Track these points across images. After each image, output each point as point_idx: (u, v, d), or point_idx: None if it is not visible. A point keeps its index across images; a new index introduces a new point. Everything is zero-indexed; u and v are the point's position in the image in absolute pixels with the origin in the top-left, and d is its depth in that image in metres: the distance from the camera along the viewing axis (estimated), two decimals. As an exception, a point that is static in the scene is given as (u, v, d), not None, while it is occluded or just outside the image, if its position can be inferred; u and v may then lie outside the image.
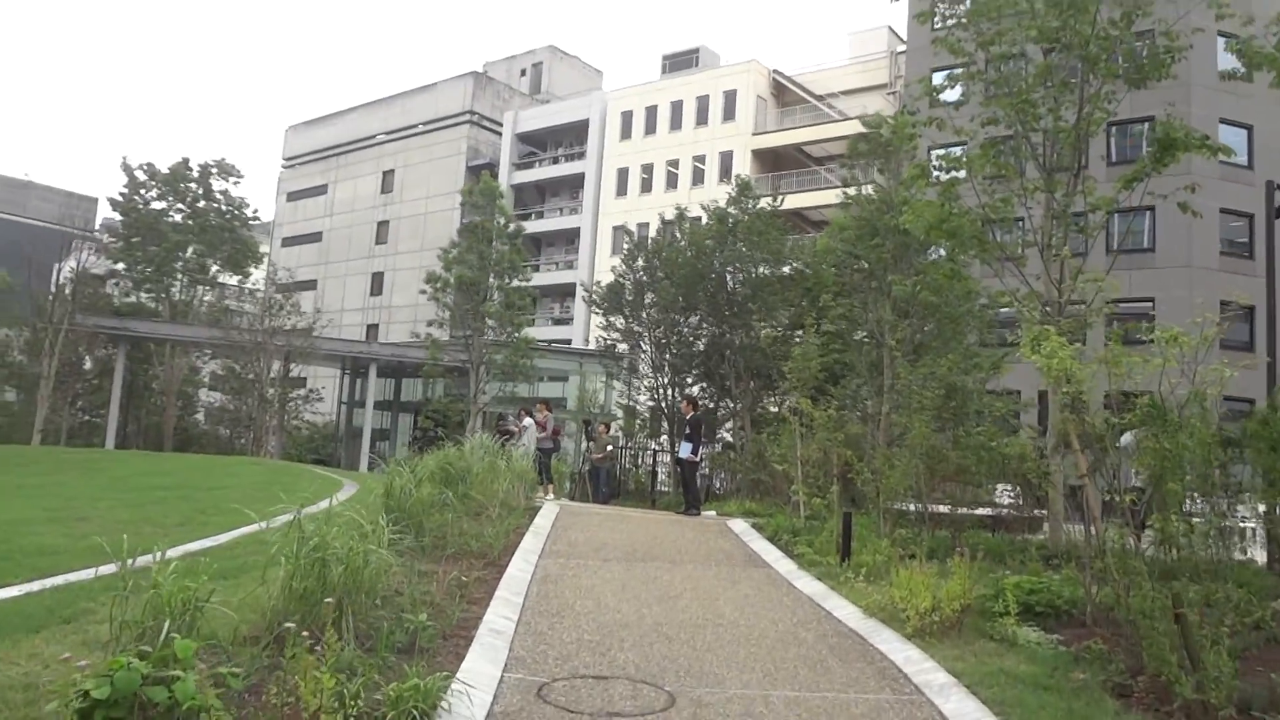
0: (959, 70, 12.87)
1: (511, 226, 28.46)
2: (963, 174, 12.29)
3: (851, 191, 20.67)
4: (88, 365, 40.95)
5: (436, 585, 8.24)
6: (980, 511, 13.92)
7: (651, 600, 8.66)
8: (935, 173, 12.60)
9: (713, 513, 17.17)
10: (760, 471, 18.67)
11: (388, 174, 66.57)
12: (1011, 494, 15.15)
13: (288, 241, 71.58)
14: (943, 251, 19.72)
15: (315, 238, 70.10)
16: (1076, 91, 11.68)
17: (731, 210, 25.47)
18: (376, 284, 64.98)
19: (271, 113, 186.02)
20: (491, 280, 27.22)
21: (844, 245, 19.89)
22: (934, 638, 7.32)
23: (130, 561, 5.32)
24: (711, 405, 27.06)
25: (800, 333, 21.11)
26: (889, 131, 19.04)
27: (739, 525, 13.99)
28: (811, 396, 15.51)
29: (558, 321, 57.41)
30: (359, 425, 40.75)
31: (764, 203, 26.67)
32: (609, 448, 22.11)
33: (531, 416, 18.42)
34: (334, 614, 5.50)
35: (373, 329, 63.17)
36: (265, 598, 6.37)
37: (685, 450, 17.12)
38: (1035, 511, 14.77)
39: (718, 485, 24.35)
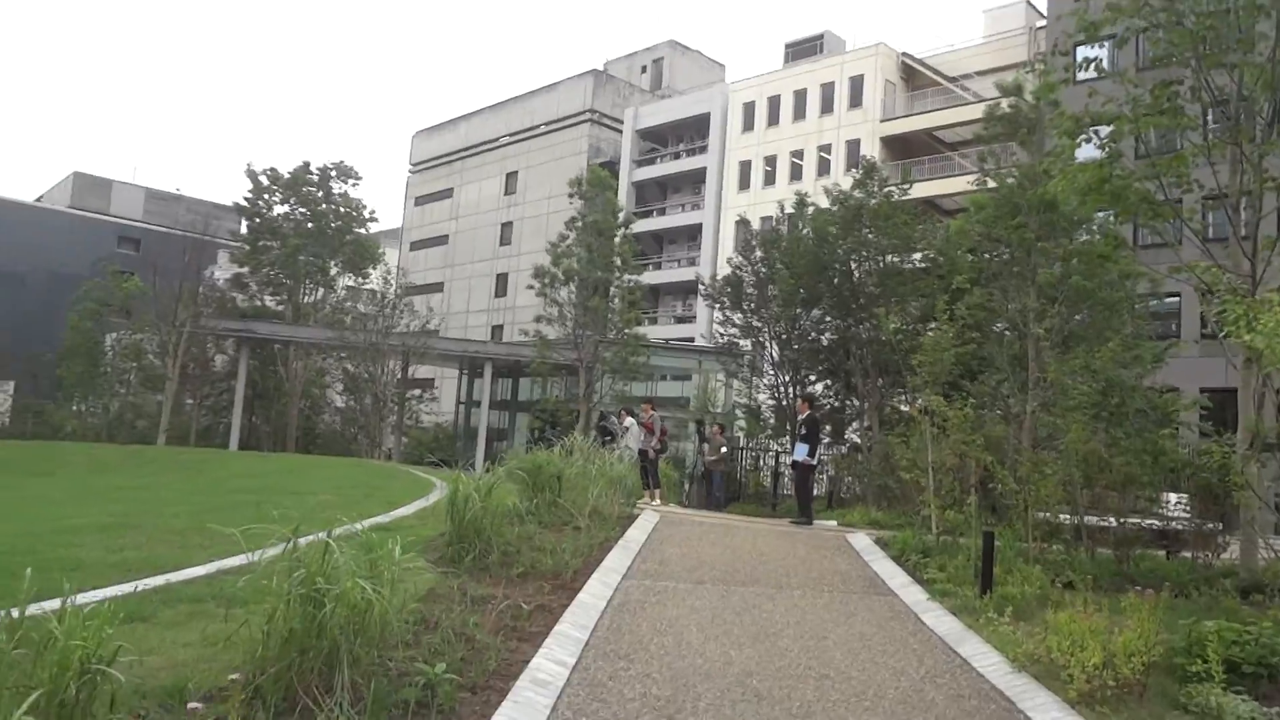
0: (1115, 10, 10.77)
1: (621, 216, 27.19)
2: (1125, 128, 10.23)
3: (989, 166, 18.59)
4: (217, 367, 41.85)
5: (488, 615, 6.97)
6: (1144, 524, 11.78)
7: (745, 639, 7.16)
8: (1090, 129, 10.58)
9: (834, 523, 15.49)
10: (888, 477, 16.84)
11: (510, 175, 66.68)
12: (1182, 505, 12.97)
13: (416, 245, 72.73)
14: (1096, 230, 17.58)
15: (441, 240, 70.93)
16: (1274, 16, 9.56)
17: (856, 194, 23.58)
18: (501, 285, 65.01)
19: (403, 119, 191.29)
20: (600, 274, 26.01)
21: (981, 226, 17.85)
22: (1106, 707, 5.59)
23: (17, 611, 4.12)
24: (837, 404, 25.24)
25: (933, 324, 19.16)
26: (1031, 93, 16.98)
27: (861, 540, 12.28)
28: (944, 393, 13.63)
29: (680, 320, 56.17)
30: (477, 425, 40.41)
31: (893, 191, 24.68)
32: (723, 449, 20.57)
33: (635, 416, 17.05)
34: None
35: (497, 330, 63.24)
36: (250, 641, 5.19)
37: (800, 453, 15.47)
38: (1209, 525, 12.44)
39: (843, 491, 22.56)
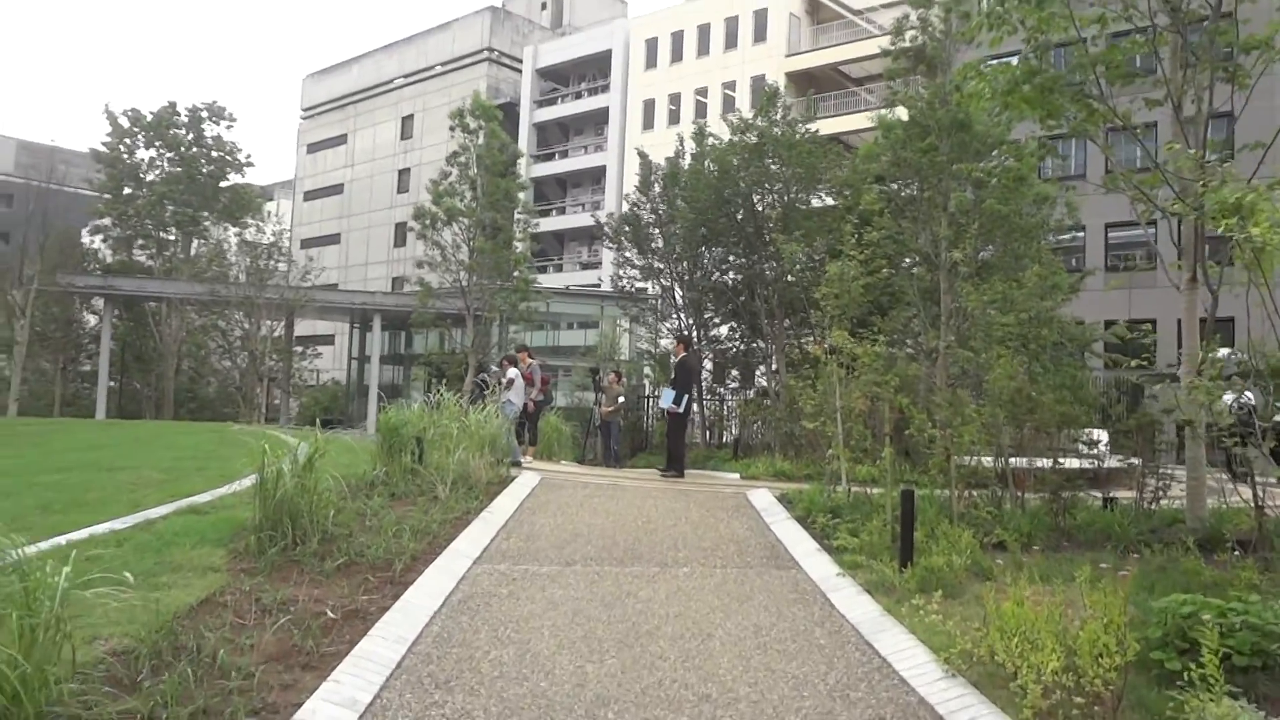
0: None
1: (509, 151, 25.13)
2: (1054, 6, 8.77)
3: (897, 86, 17.22)
4: (87, 328, 38.62)
5: (265, 633, 5.30)
6: (1081, 467, 10.56)
7: (609, 643, 5.62)
8: (1015, 17, 9.12)
9: (736, 475, 14.12)
10: (794, 424, 15.51)
11: (407, 119, 63.70)
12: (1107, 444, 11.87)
13: (310, 195, 69.41)
14: (1010, 153, 16.36)
15: (337, 190, 67.67)
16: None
17: (759, 122, 22.00)
18: (400, 235, 62.05)
19: (294, 62, 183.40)
20: (490, 214, 23.99)
21: (890, 150, 16.51)
22: (1073, 729, 4.21)
23: None
24: (743, 347, 23.93)
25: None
26: (940, 4, 15.62)
27: (762, 498, 10.86)
28: (853, 331, 12.23)
29: (586, 266, 54.42)
30: (369, 382, 38.18)
31: (796, 120, 23.22)
32: (620, 399, 19.01)
33: (516, 366, 15.30)
34: None
35: (398, 281, 60.54)
36: None
37: (667, 399, 13.85)
38: (1129, 462, 11.23)
39: (750, 438, 21.30)
